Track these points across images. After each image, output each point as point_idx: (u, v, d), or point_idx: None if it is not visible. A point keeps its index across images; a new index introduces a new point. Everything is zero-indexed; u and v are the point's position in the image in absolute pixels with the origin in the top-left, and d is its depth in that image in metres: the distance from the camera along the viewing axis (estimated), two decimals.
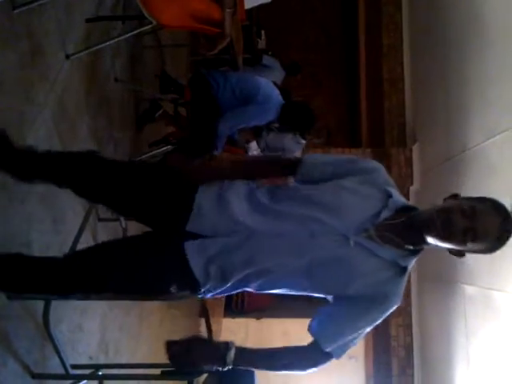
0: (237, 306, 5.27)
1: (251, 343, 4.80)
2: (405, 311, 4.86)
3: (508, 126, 3.06)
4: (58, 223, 2.09)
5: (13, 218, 1.75)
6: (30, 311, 1.84)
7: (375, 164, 1.36)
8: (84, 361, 2.29)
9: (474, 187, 3.51)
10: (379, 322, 1.33)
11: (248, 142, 3.43)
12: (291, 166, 1.39)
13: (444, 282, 4.10)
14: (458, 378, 3.87)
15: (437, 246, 1.25)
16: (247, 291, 1.39)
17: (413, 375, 4.79)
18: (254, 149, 3.44)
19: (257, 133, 3.48)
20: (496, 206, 1.22)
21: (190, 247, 1.29)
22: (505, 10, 3.20)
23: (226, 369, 1.26)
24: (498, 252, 1.22)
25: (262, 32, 5.86)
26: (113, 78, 2.80)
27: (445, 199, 1.29)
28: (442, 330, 4.17)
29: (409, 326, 4.85)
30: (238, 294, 5.31)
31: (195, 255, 1.28)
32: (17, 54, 1.79)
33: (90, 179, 1.38)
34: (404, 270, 1.29)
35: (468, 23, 3.81)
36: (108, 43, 2.48)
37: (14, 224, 1.76)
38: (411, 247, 1.29)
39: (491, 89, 3.38)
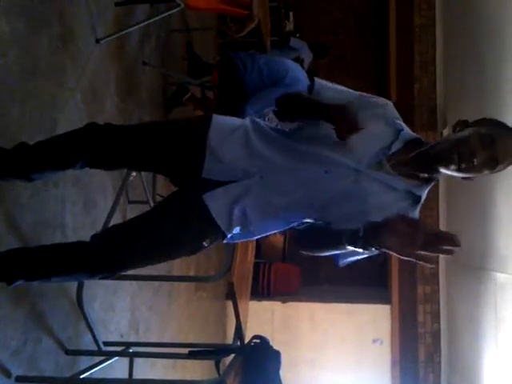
0: (263, 290, 5.30)
1: (276, 326, 4.82)
2: (432, 298, 4.80)
3: None
4: (90, 205, 2.13)
5: (47, 201, 1.80)
6: (64, 289, 1.90)
7: (385, 100, 1.38)
8: (115, 338, 2.36)
9: (507, 172, 3.40)
10: None
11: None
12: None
13: (474, 269, 4.02)
14: (486, 367, 3.82)
15: (450, 175, 1.28)
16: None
17: (440, 362, 4.75)
18: None
19: None
20: (509, 128, 1.24)
21: (209, 197, 1.31)
22: None
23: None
24: None
25: (290, 14, 5.77)
26: (141, 62, 2.81)
27: (454, 128, 1.31)
28: (471, 317, 4.11)
29: (436, 313, 4.79)
30: (263, 277, 5.36)
31: (215, 204, 1.30)
32: (49, 39, 1.82)
33: (103, 146, 1.37)
34: (418, 199, 1.32)
35: (505, 2, 3.66)
36: (137, 27, 2.49)
37: (48, 206, 1.81)
38: (426, 176, 1.31)
39: None
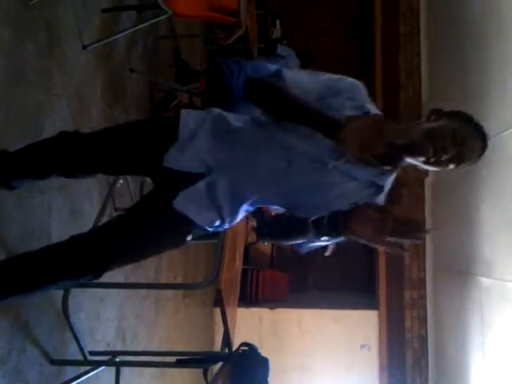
0: (251, 296, 5.28)
1: (265, 333, 4.80)
2: (419, 303, 4.84)
3: None
4: (76, 213, 2.11)
5: (33, 209, 1.78)
6: (49, 299, 1.87)
7: (356, 81, 1.34)
8: (102, 348, 2.33)
9: (491, 178, 3.45)
10: None
11: None
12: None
13: (460, 274, 4.06)
14: (473, 371, 3.85)
15: (413, 164, 1.25)
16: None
17: (427, 367, 4.78)
18: None
19: None
20: (478, 128, 1.24)
21: (180, 202, 1.29)
22: None
23: None
24: None
25: (277, 21, 5.81)
26: (128, 69, 2.80)
27: (428, 116, 1.27)
28: (458, 322, 4.14)
29: (423, 318, 4.83)
30: (251, 283, 5.35)
31: (188, 206, 1.29)
32: (35, 45, 1.81)
33: (75, 154, 1.35)
34: (381, 188, 1.31)
35: (489, 10, 3.73)
36: (124, 33, 2.48)
37: (34, 214, 1.79)
38: (389, 168, 1.29)
39: (511, 78, 3.31)
